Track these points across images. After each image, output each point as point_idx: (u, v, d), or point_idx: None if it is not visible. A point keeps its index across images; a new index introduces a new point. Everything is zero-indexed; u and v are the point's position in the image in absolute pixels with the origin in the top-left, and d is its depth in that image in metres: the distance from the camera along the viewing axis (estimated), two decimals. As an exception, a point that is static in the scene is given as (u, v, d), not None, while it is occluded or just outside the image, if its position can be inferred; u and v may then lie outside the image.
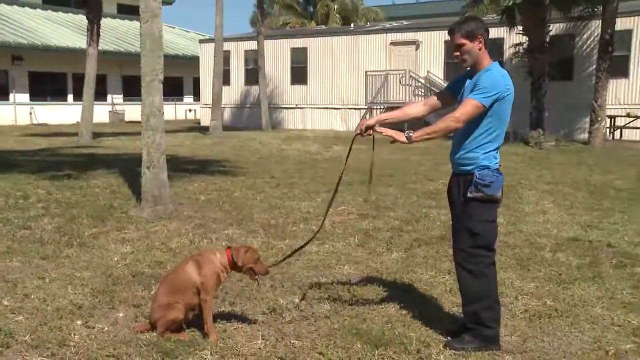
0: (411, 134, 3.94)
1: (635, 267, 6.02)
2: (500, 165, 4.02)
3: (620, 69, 21.84)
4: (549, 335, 4.30)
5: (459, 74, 4.28)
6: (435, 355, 3.97)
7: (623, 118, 21.94)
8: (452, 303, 4.92)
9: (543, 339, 4.24)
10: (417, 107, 4.30)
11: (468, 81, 4.04)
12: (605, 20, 19.22)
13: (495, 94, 3.83)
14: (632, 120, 21.47)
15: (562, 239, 7.11)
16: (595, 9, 20.63)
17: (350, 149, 4.68)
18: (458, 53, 3.98)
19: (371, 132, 4.17)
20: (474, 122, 3.91)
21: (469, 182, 3.96)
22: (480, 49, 3.94)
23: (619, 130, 22.18)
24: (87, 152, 16.52)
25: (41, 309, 4.65)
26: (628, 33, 22.23)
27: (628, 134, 22.06)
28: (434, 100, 4.31)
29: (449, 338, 4.19)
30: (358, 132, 4.24)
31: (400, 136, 3.96)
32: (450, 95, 4.28)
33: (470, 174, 3.96)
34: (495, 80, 3.86)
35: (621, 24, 20.68)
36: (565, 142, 20.21)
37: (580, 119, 22.55)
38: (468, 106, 3.86)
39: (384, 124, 4.15)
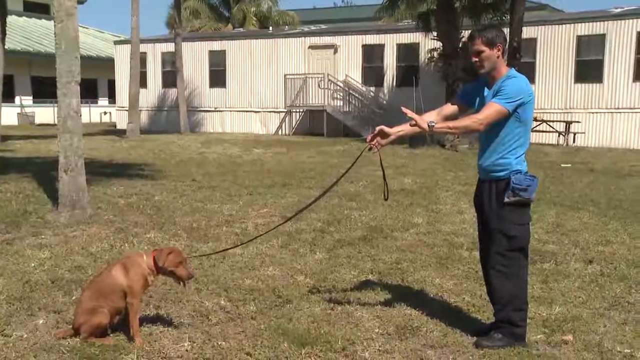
0: (433, 123, 3.97)
1: (544, 263, 6.37)
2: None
3: (527, 75, 22.70)
4: (468, 330, 4.46)
5: (468, 84, 4.35)
6: (361, 352, 4.09)
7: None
8: (375, 301, 5.05)
9: (462, 333, 4.40)
10: (431, 118, 4.17)
11: (486, 89, 4.14)
12: (512, 29, 20.07)
13: (519, 100, 3.97)
14: (538, 125, 22.51)
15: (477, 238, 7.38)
16: (504, 18, 21.53)
17: (357, 158, 4.66)
18: (477, 59, 4.07)
19: (379, 145, 4.17)
20: (502, 128, 4.03)
21: (503, 188, 4.08)
22: (498, 57, 4.06)
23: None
24: (-4, 155, 15.83)
25: (-46, 319, 4.47)
26: (533, 41, 23.32)
27: (535, 137, 23.12)
28: (448, 109, 4.36)
29: (473, 336, 4.32)
30: (369, 141, 4.21)
31: (424, 123, 3.95)
32: (462, 104, 4.37)
33: (503, 180, 4.09)
34: (520, 86, 4.01)
35: (527, 32, 21.64)
36: (478, 145, 20.91)
37: (491, 122, 23.38)
38: (492, 110, 3.96)
39: (399, 135, 4.16)
